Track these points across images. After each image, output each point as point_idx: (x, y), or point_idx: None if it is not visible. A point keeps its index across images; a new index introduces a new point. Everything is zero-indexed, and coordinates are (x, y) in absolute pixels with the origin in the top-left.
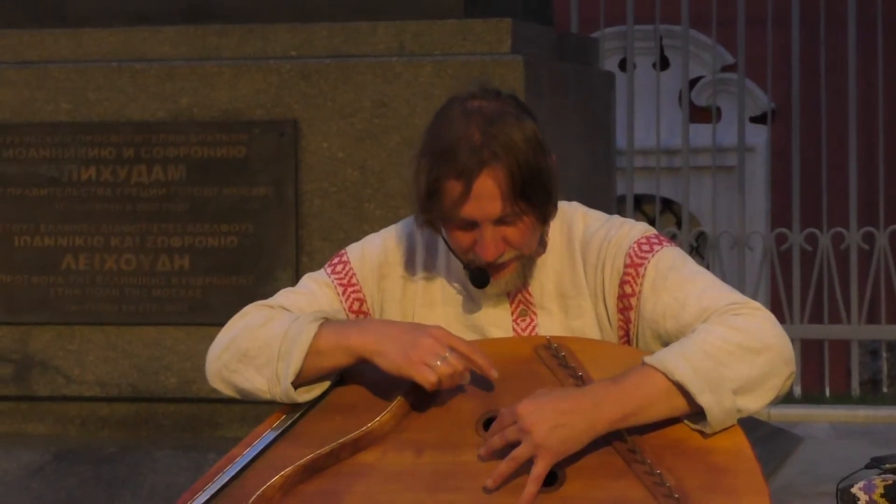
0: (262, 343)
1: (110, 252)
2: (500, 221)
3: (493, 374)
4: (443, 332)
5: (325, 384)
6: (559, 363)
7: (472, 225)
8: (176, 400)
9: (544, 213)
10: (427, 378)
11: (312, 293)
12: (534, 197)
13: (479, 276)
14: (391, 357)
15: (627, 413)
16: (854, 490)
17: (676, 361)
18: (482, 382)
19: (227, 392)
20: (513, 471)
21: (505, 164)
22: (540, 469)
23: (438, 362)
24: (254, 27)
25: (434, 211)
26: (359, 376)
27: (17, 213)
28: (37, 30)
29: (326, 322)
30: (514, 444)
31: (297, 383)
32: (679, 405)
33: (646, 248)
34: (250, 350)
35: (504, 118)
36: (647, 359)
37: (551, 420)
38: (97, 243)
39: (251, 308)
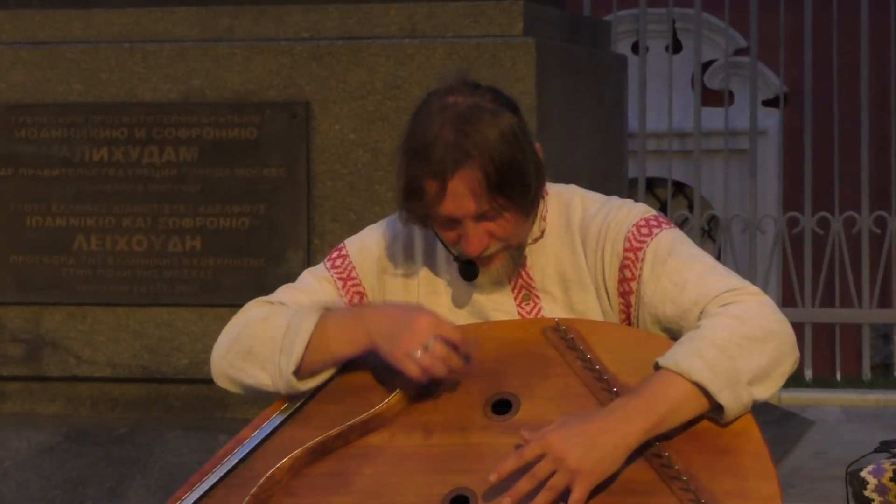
0: (266, 339)
1: (122, 233)
2: (482, 217)
3: (467, 360)
4: (431, 319)
5: (330, 372)
6: (567, 345)
7: (454, 221)
8: (186, 381)
9: (524, 207)
10: (411, 370)
11: (313, 289)
12: (511, 192)
13: (467, 270)
14: (384, 350)
15: (655, 422)
16: (863, 474)
17: (692, 361)
18: (490, 364)
19: (233, 390)
20: (550, 501)
21: (478, 163)
22: (578, 495)
23: (418, 353)
24: (266, 8)
25: (415, 209)
26: (367, 357)
27: (29, 193)
28: (49, 10)
29: (327, 313)
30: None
31: (300, 374)
32: (701, 404)
33: (644, 231)
34: (254, 347)
35: (479, 114)
36: (662, 361)
37: (583, 443)
38: (109, 224)
39: (252, 304)
